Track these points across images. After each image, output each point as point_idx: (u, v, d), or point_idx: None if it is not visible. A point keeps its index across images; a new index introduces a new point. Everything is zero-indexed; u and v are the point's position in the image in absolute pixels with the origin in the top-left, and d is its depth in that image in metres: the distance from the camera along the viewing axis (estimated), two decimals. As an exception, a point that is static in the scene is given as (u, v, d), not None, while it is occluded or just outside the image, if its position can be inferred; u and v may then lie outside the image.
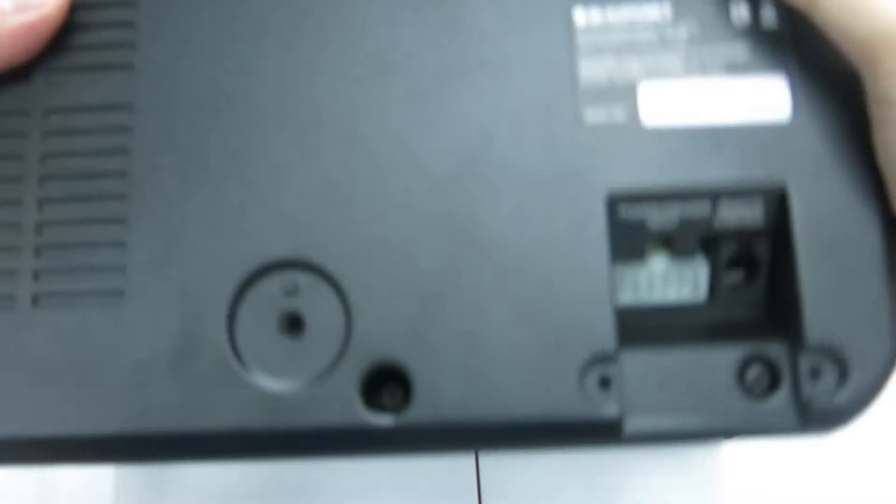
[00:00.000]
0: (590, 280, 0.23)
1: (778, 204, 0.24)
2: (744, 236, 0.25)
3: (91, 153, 0.24)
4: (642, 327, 0.25)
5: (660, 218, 0.24)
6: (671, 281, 0.25)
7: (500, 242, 0.23)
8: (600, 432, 0.23)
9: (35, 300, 0.24)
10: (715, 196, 0.24)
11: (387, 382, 0.24)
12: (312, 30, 0.25)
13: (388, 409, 0.23)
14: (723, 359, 0.23)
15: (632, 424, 0.23)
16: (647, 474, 0.39)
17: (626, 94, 0.24)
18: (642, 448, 0.36)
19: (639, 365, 0.23)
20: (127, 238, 0.24)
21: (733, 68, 0.25)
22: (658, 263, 0.25)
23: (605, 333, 0.23)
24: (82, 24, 0.25)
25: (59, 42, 0.25)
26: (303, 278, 0.24)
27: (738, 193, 0.24)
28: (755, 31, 0.25)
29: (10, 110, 0.25)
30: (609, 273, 0.23)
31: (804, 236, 0.23)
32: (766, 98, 0.24)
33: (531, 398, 0.23)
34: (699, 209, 0.24)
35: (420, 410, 0.22)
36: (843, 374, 0.23)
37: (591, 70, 0.25)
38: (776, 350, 0.23)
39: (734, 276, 0.25)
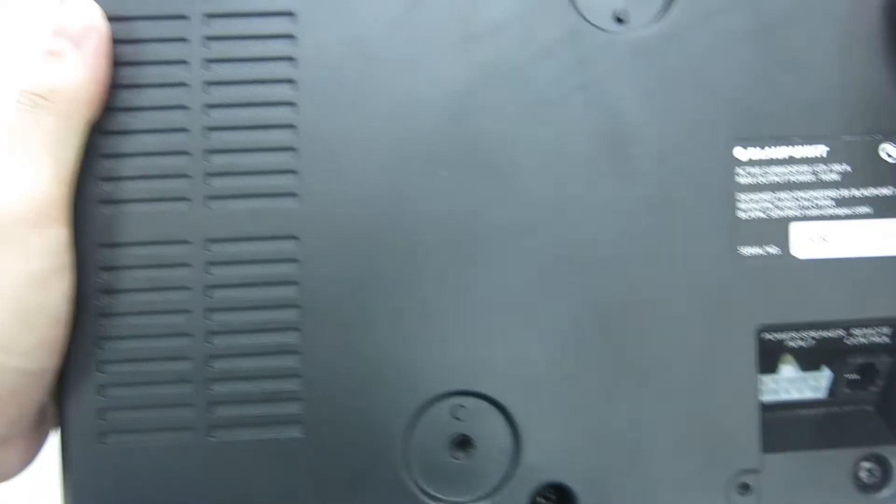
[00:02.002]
0: (740, 402, 0.26)
1: (903, 328, 0.26)
2: (869, 353, 0.27)
3: (261, 284, 0.25)
4: (775, 426, 0.27)
5: (798, 340, 0.26)
6: (795, 385, 0.28)
7: (660, 370, 0.25)
8: None
9: (210, 431, 0.25)
10: (849, 324, 0.26)
11: (547, 490, 0.26)
12: (476, 155, 0.25)
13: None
14: (842, 459, 0.26)
15: None
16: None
17: (779, 228, 0.26)
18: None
19: (774, 470, 0.26)
20: (302, 369, 0.25)
21: (879, 206, 0.26)
22: (787, 372, 0.27)
23: (751, 449, 0.26)
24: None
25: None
26: (473, 405, 0.25)
27: (871, 322, 0.26)
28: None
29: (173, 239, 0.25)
30: (756, 393, 0.25)
31: None
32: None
33: None
34: (833, 333, 0.26)
35: None
36: None
37: (749, 204, 0.25)
38: (889, 452, 0.26)
39: (854, 377, 0.28)
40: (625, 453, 0.25)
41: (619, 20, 0.26)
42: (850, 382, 0.28)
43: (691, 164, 0.25)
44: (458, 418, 0.25)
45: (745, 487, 0.26)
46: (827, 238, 0.26)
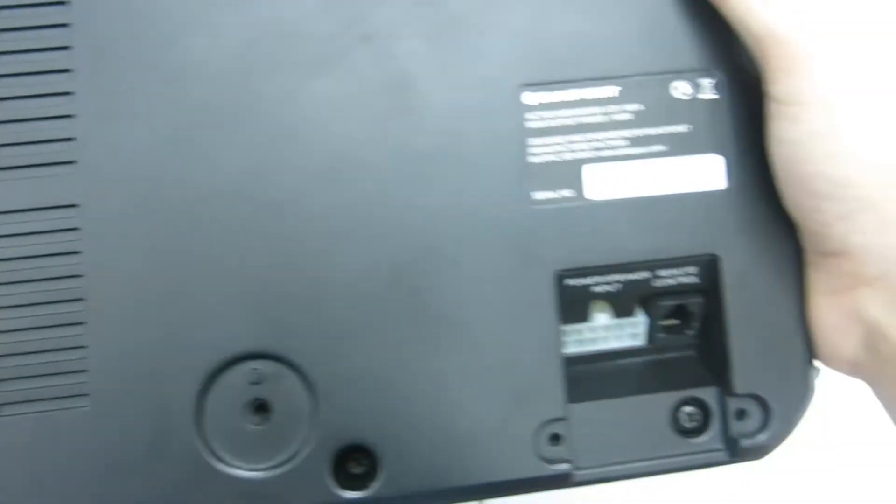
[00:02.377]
0: (541, 351, 0.25)
1: (710, 268, 0.26)
2: (680, 294, 0.27)
3: (41, 255, 0.24)
4: (587, 376, 0.27)
5: (603, 284, 0.26)
6: (613, 332, 0.27)
7: (457, 321, 0.25)
8: (552, 484, 0.25)
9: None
10: (653, 265, 0.26)
11: (354, 453, 0.25)
12: (259, 113, 0.25)
13: (357, 480, 0.25)
14: (660, 404, 0.26)
15: (580, 475, 0.25)
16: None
17: (572, 171, 0.25)
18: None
19: (585, 418, 0.26)
20: (86, 339, 0.24)
21: (674, 144, 0.25)
22: (601, 319, 0.27)
23: (555, 399, 0.25)
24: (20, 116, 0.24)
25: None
26: (268, 368, 0.24)
27: (674, 262, 0.26)
28: (695, 106, 0.25)
29: None
30: (558, 343, 0.25)
31: (732, 297, 0.26)
32: (704, 170, 0.26)
33: (490, 465, 0.25)
34: (639, 275, 0.26)
35: (387, 485, 0.24)
36: (765, 415, 0.26)
37: (540, 149, 0.25)
38: (708, 394, 0.26)
39: (670, 323, 0.27)
40: (427, 409, 0.25)
41: (400, -30, 0.25)
42: (667, 327, 0.27)
43: (479, 111, 0.25)
44: (254, 382, 0.25)
45: (555, 438, 0.25)
46: (621, 178, 0.25)
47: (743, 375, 0.26)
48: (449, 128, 0.25)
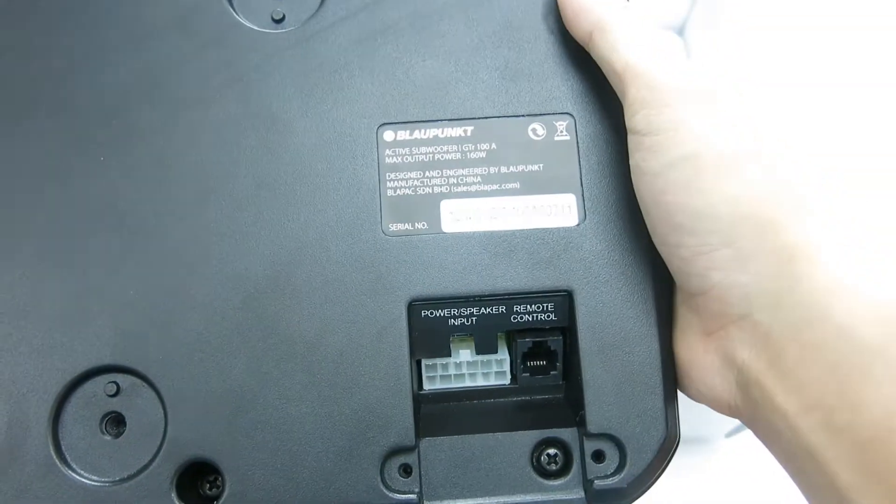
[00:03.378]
0: (391, 378, 0.25)
1: (566, 305, 0.26)
2: (538, 332, 0.27)
3: None
4: (447, 412, 0.27)
5: (460, 318, 0.26)
6: (479, 370, 0.28)
7: (307, 345, 0.25)
8: None
9: None
10: (508, 300, 0.26)
11: (211, 474, 0.26)
12: (134, 145, 0.27)
13: (206, 501, 0.25)
14: (520, 443, 0.26)
15: (431, 496, 0.25)
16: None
17: (428, 204, 0.26)
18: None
19: (440, 451, 0.25)
20: None
21: (527, 182, 0.27)
22: (464, 356, 0.27)
23: (404, 426, 0.25)
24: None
25: None
26: (126, 382, 0.25)
27: (529, 297, 0.26)
28: (548, 146, 0.27)
29: None
30: (409, 370, 0.25)
31: (586, 333, 0.26)
32: (557, 207, 0.26)
33: (334, 491, 0.25)
34: (496, 310, 0.26)
35: (231, 500, 0.25)
36: (622, 457, 0.25)
37: (397, 183, 0.26)
38: (568, 434, 0.25)
39: (535, 364, 0.27)
40: (273, 430, 0.25)
41: (276, 20, 0.28)
42: (532, 368, 0.27)
43: (340, 146, 0.27)
44: (112, 395, 0.26)
45: (405, 469, 0.25)
46: (476, 213, 0.27)
47: (597, 414, 0.25)
48: (310, 162, 0.27)
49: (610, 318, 0.26)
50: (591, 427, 0.25)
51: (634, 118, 0.25)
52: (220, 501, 0.25)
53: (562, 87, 0.27)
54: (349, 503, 0.25)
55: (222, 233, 0.26)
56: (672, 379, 0.26)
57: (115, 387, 0.26)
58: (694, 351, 0.25)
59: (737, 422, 0.41)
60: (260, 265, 0.26)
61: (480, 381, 0.28)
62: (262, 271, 0.26)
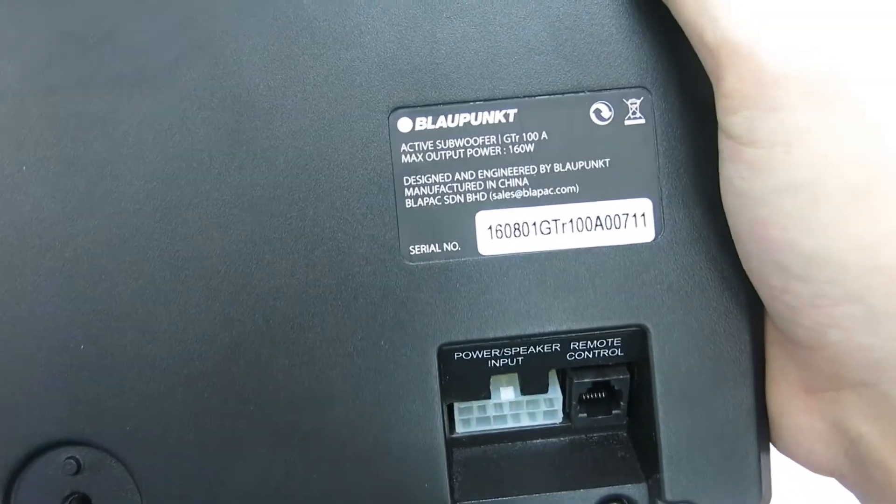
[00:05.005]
0: (422, 449, 0.20)
1: (636, 339, 0.20)
2: (600, 369, 0.21)
3: None
4: (487, 465, 0.22)
5: (503, 359, 0.21)
6: (522, 409, 0.22)
7: (311, 406, 0.20)
8: None
9: None
10: (564, 339, 0.20)
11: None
12: (75, 165, 0.20)
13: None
14: (580, 501, 0.21)
15: None
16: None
17: (459, 218, 0.20)
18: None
19: None
20: None
21: (588, 184, 0.20)
22: (507, 395, 0.22)
23: (439, 498, 0.20)
24: None
25: None
26: (89, 456, 0.20)
27: (591, 335, 0.20)
28: (615, 134, 0.20)
29: None
30: (440, 433, 0.20)
31: (663, 376, 0.20)
32: (628, 217, 0.20)
33: None
34: (548, 347, 0.21)
35: None
36: None
37: (418, 190, 0.20)
38: (639, 493, 0.21)
39: (593, 398, 0.22)
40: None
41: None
42: (589, 404, 0.22)
43: (338, 140, 0.20)
44: (72, 473, 0.20)
45: None
46: (521, 228, 0.20)
47: (677, 479, 0.20)
48: (298, 163, 0.20)
49: (693, 360, 0.20)
50: (670, 496, 0.20)
51: (732, 119, 0.18)
52: None
53: (635, 51, 0.20)
54: None
55: (191, 264, 0.20)
56: (765, 432, 0.21)
57: (74, 464, 0.20)
58: (789, 407, 0.20)
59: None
60: (248, 305, 0.20)
61: (526, 422, 0.23)
62: (250, 312, 0.20)
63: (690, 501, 0.20)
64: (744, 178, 0.18)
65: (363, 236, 0.20)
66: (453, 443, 0.22)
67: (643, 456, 0.22)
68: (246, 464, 0.20)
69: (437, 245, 0.20)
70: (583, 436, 0.23)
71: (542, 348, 0.21)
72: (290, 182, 0.20)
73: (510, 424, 0.23)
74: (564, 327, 0.20)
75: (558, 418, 0.23)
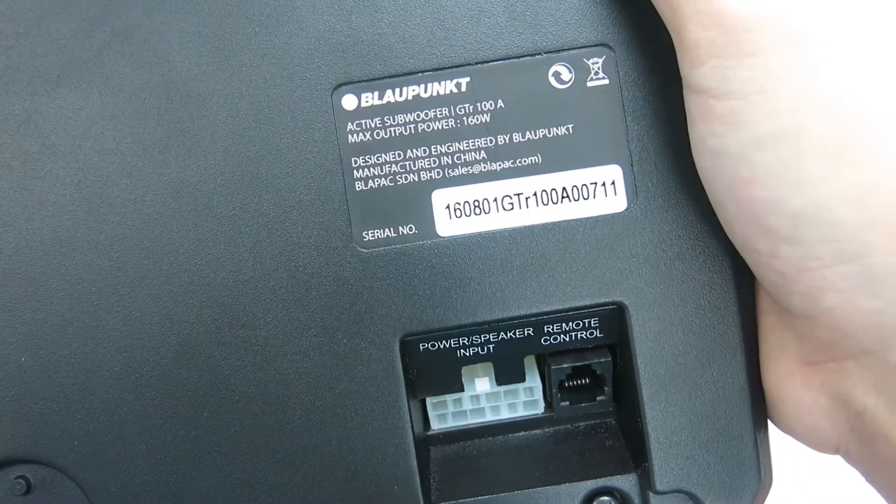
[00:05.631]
0: (388, 449, 0.19)
1: (615, 318, 0.19)
2: (579, 353, 0.20)
3: None
4: (466, 461, 0.21)
5: (472, 347, 0.19)
6: (501, 400, 0.21)
7: (268, 408, 0.19)
8: None
9: None
10: (535, 322, 0.19)
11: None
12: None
13: None
14: (564, 501, 0.20)
15: None
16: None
17: (414, 199, 0.19)
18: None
19: None
20: None
21: (550, 153, 0.19)
22: (482, 386, 0.21)
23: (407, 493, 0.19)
24: None
25: None
26: (39, 474, 0.19)
27: (564, 316, 0.19)
28: (577, 98, 0.18)
29: None
30: (407, 428, 0.19)
31: (645, 357, 0.19)
32: (597, 186, 0.19)
33: None
34: (519, 332, 0.19)
35: None
36: None
37: (368, 171, 0.19)
38: (628, 483, 0.19)
39: (574, 384, 0.21)
40: None
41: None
42: (570, 393, 0.20)
43: (281, 124, 0.19)
44: (22, 494, 0.19)
45: None
46: (482, 206, 0.19)
47: (665, 466, 0.19)
48: (238, 150, 0.18)
49: (677, 337, 0.19)
50: (661, 485, 0.19)
51: (699, 71, 0.16)
52: None
53: (593, 6, 0.18)
54: None
55: (130, 263, 0.19)
56: (762, 410, 0.19)
57: (24, 483, 0.19)
58: (788, 382, 0.19)
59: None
60: (195, 304, 0.19)
61: (506, 414, 0.21)
62: (198, 312, 0.19)
63: (683, 490, 0.19)
64: (718, 135, 0.16)
65: (312, 224, 0.18)
66: (429, 440, 0.21)
67: (632, 444, 0.20)
68: (203, 473, 0.19)
69: (391, 229, 0.19)
70: (568, 426, 0.21)
71: (514, 334, 0.19)
72: (230, 171, 0.18)
73: (489, 418, 0.21)
74: (535, 310, 0.19)
75: (540, 408, 0.21)
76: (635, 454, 0.20)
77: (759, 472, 0.19)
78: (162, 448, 0.19)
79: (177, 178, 0.19)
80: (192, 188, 0.19)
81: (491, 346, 0.19)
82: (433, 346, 0.19)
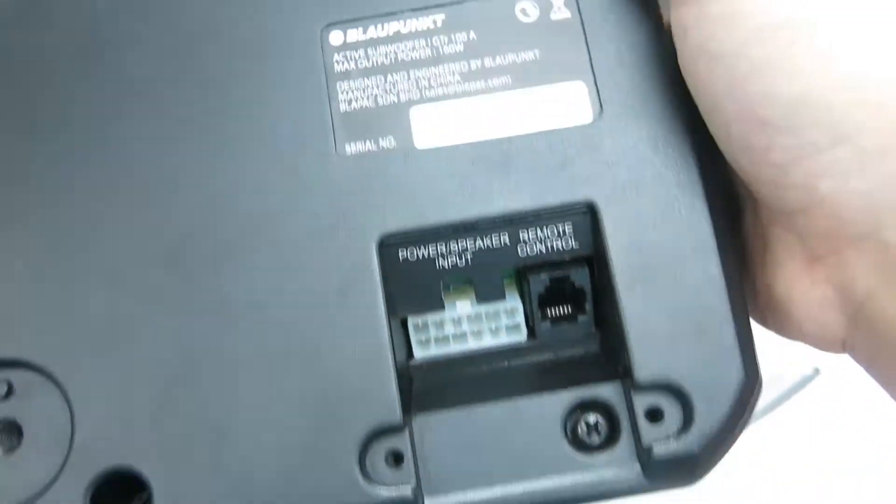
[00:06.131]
0: (364, 338, 0.19)
1: (587, 224, 0.20)
2: (557, 266, 0.20)
3: None
4: (447, 382, 0.20)
5: (451, 256, 0.20)
6: (483, 324, 0.21)
7: (252, 311, 0.19)
8: None
9: None
10: (509, 223, 0.20)
11: (136, 487, 0.19)
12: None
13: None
14: (546, 409, 0.19)
15: (433, 491, 0.18)
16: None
17: (394, 116, 0.20)
18: None
19: (440, 430, 0.19)
20: None
21: (522, 72, 0.20)
22: (463, 309, 0.21)
23: (385, 399, 0.19)
24: None
25: None
26: (20, 378, 0.19)
27: (539, 217, 0.19)
28: (543, 29, 0.21)
29: None
30: (387, 326, 0.19)
31: (620, 256, 0.19)
32: (564, 101, 0.20)
33: (298, 493, 0.18)
34: (496, 241, 0.20)
35: None
36: (687, 412, 0.18)
37: (352, 94, 0.20)
38: (611, 391, 0.19)
39: (558, 308, 0.21)
40: (210, 425, 0.19)
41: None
42: (552, 314, 0.21)
43: (273, 57, 0.21)
44: (2, 396, 0.20)
45: (396, 459, 0.19)
46: (457, 120, 0.20)
47: (647, 358, 0.19)
48: (233, 86, 0.21)
49: (648, 233, 0.19)
50: (641, 376, 0.18)
51: None
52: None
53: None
54: None
55: (123, 182, 0.20)
56: (742, 303, 0.19)
57: (5, 386, 0.19)
58: (796, 284, 0.19)
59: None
60: (178, 216, 0.20)
61: (488, 341, 0.21)
62: (183, 223, 0.20)
63: (665, 379, 0.18)
64: (716, 37, 0.18)
65: (298, 136, 0.20)
66: (412, 371, 0.21)
67: (611, 358, 0.20)
68: (184, 375, 0.19)
69: (372, 141, 0.20)
70: (551, 355, 0.21)
71: (490, 241, 0.20)
72: (226, 103, 0.21)
73: (471, 344, 0.21)
74: (509, 208, 0.20)
75: (523, 335, 0.21)
76: (617, 359, 0.19)
77: (742, 362, 0.18)
78: (152, 347, 0.19)
79: (174, 107, 0.21)
80: (190, 116, 0.21)
81: (469, 255, 0.20)
82: (412, 254, 0.20)
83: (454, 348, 0.21)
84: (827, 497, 0.37)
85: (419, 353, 0.21)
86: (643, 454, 0.18)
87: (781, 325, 0.20)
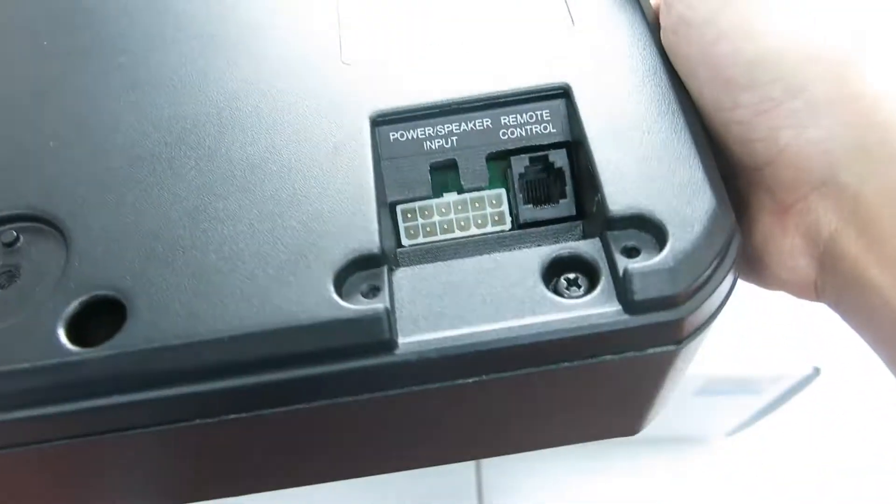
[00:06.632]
0: (350, 186, 0.20)
1: (564, 110, 0.22)
2: (538, 148, 0.22)
3: None
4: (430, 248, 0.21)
5: (437, 139, 0.22)
6: (468, 212, 0.22)
7: (250, 168, 0.21)
8: (368, 348, 0.18)
9: None
10: (492, 105, 0.22)
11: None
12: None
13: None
14: (526, 260, 0.19)
15: (407, 330, 0.18)
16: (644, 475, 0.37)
17: (397, 31, 0.23)
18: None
19: (420, 279, 0.19)
20: None
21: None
22: (449, 197, 0.22)
23: (364, 229, 0.19)
24: None
25: None
26: (26, 230, 0.20)
27: (518, 100, 0.21)
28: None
29: None
30: (373, 179, 0.20)
31: (593, 128, 0.21)
32: (538, 15, 0.23)
33: (271, 307, 0.18)
34: (479, 123, 0.22)
35: (133, 333, 0.18)
36: (661, 241, 0.19)
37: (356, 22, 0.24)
38: (590, 247, 0.19)
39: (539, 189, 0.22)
40: (196, 253, 0.20)
41: None
42: (533, 195, 0.22)
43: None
44: (7, 243, 0.21)
45: (373, 290, 0.19)
46: (444, 28, 0.23)
47: (619, 191, 0.19)
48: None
49: (620, 106, 0.21)
50: (614, 207, 0.19)
51: None
52: (122, 329, 0.18)
53: None
54: (293, 323, 0.18)
55: (148, 68, 0.23)
56: (709, 154, 0.20)
57: (11, 236, 0.20)
58: (770, 235, 0.21)
59: (738, 421, 0.36)
60: (195, 105, 0.22)
61: (474, 230, 0.22)
62: (200, 109, 0.22)
63: (637, 210, 0.19)
64: (692, 6, 0.21)
65: (308, 47, 0.23)
66: (399, 255, 0.22)
67: (584, 213, 0.21)
68: (179, 218, 0.20)
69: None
70: (535, 244, 0.22)
71: (474, 125, 0.22)
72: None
73: (457, 233, 0.22)
74: (490, 90, 0.22)
75: (507, 224, 0.22)
76: (588, 216, 0.21)
77: (713, 196, 0.19)
78: (156, 197, 0.20)
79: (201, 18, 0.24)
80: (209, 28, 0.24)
81: (454, 138, 0.22)
82: (402, 135, 0.22)
83: (441, 237, 0.22)
84: (827, 497, 0.36)
85: (407, 241, 0.22)
86: (623, 291, 0.18)
87: (759, 275, 0.22)
